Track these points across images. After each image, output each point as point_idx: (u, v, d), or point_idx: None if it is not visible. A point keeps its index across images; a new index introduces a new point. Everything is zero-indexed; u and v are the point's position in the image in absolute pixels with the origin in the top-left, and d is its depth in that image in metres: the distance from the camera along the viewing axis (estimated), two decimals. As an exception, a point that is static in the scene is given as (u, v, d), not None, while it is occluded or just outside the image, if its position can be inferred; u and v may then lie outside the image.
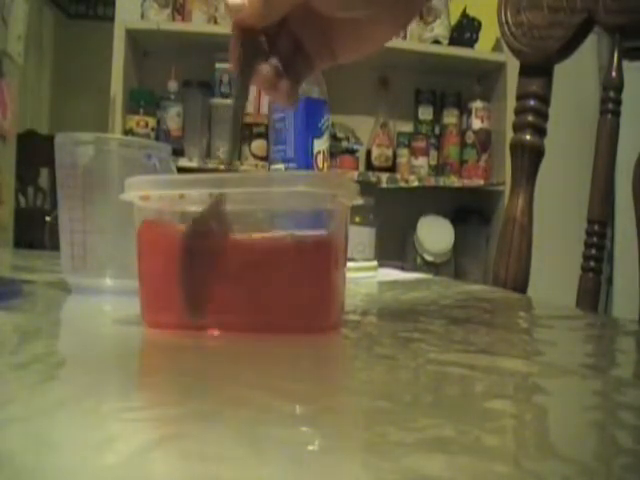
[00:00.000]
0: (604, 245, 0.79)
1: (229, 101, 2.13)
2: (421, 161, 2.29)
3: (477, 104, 2.26)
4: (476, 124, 2.26)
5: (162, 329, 0.42)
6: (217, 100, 2.11)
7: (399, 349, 0.39)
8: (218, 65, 2.12)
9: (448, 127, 2.28)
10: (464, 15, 2.20)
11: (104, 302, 0.58)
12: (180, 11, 2.11)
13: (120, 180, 0.62)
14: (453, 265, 2.37)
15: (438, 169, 2.30)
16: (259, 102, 2.18)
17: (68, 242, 0.63)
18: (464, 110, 2.32)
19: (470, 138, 2.25)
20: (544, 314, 0.61)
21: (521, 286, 0.83)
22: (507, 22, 0.87)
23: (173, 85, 2.10)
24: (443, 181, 2.22)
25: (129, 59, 2.09)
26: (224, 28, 2.09)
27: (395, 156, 2.29)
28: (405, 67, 2.28)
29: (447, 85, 2.33)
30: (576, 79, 2.24)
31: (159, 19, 2.07)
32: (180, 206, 0.41)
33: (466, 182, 2.24)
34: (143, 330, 0.43)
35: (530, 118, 0.86)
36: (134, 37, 2.10)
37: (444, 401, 0.27)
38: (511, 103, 2.19)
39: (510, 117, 2.16)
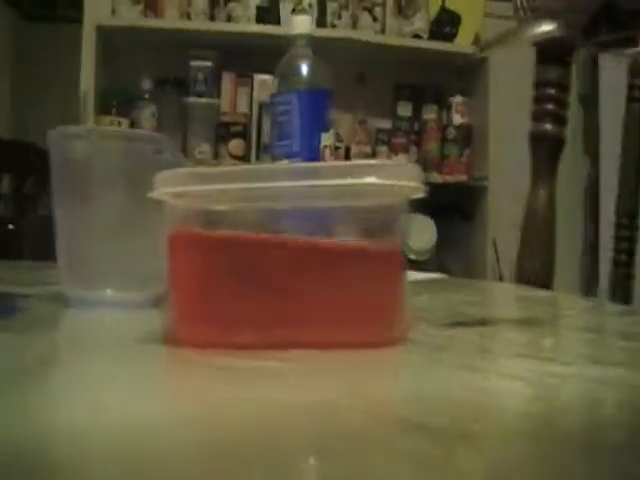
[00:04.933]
0: (635, 237, 0.74)
1: (204, 100, 2.06)
2: (401, 158, 2.24)
3: (457, 99, 2.23)
4: (456, 119, 2.22)
5: (199, 347, 0.36)
6: (193, 99, 2.04)
7: (478, 359, 0.34)
8: (193, 63, 2.04)
9: (428, 123, 2.24)
10: (443, 9, 2.16)
11: (109, 317, 0.52)
12: (152, 7, 2.03)
13: (125, 179, 0.56)
14: (435, 262, 2.33)
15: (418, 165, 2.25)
16: (235, 100, 2.12)
17: (65, 249, 0.56)
18: (443, 105, 2.28)
19: (451, 134, 2.21)
20: (611, 314, 0.56)
21: (545, 282, 0.79)
22: (522, 7, 0.82)
23: (147, 84, 2.02)
24: (424, 177, 2.18)
25: (99, 57, 2.00)
26: (199, 24, 2.02)
27: (374, 153, 2.24)
28: (383, 62, 2.23)
29: (426, 80, 2.28)
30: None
31: (131, 15, 1.99)
32: (223, 204, 0.35)
33: (448, 178, 2.20)
34: (175, 350, 0.37)
35: (550, 107, 0.81)
36: (104, 34, 2.01)
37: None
38: (493, 97, 2.17)
39: (493, 111, 2.13)
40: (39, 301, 0.57)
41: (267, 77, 2.10)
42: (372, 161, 0.36)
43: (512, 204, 2.25)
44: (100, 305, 0.54)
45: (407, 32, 2.13)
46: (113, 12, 2.01)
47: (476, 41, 2.17)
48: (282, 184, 0.34)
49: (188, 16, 2.03)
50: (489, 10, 2.16)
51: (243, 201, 0.35)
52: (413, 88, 2.28)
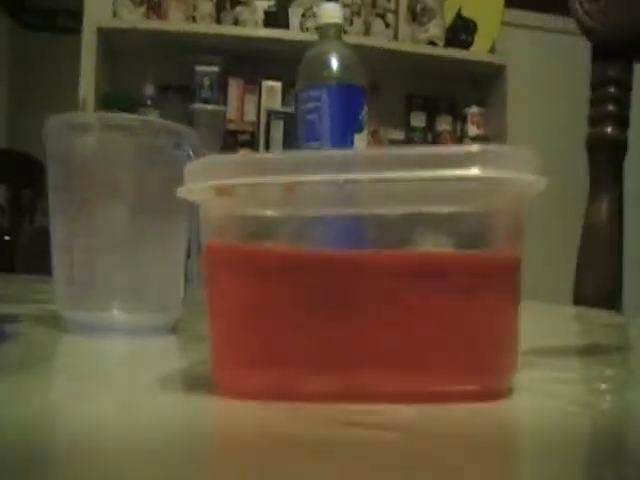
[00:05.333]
0: None
1: (210, 107, 1.97)
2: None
3: (473, 109, 2.14)
4: (472, 130, 2.13)
5: (244, 398, 0.26)
6: (198, 105, 1.94)
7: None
8: (198, 68, 1.95)
9: (442, 134, 2.15)
10: (459, 16, 2.07)
11: (116, 346, 0.42)
12: (155, 9, 1.94)
13: (137, 178, 0.47)
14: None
15: (432, 178, 2.16)
16: (242, 107, 2.03)
17: (63, 263, 0.47)
18: (458, 116, 2.19)
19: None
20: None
21: (608, 304, 0.69)
22: (582, 5, 0.73)
23: (149, 89, 1.93)
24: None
25: (100, 61, 1.91)
26: (204, 27, 1.94)
27: (386, 165, 2.15)
28: (396, 71, 2.15)
29: (440, 90, 2.20)
30: None
31: (133, 18, 1.90)
32: (285, 206, 0.26)
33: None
34: (210, 400, 0.27)
35: (610, 108, 0.72)
36: (105, 37, 1.92)
37: None
38: (511, 108, 2.08)
39: (510, 122, 2.04)
40: (31, 325, 0.48)
41: (275, 84, 2.01)
42: (473, 146, 0.26)
43: (532, 219, 2.16)
44: (105, 331, 0.45)
45: (422, 39, 2.04)
46: (114, 14, 1.92)
47: (493, 49, 2.09)
48: (356, 176, 0.25)
49: (193, 19, 1.95)
50: (508, 19, 2.08)
51: (314, 203, 0.25)
52: (427, 98, 2.20)
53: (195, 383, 0.30)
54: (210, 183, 0.26)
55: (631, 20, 0.71)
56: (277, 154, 0.25)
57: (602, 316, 0.62)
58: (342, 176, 0.24)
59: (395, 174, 0.24)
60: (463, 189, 0.27)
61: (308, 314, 0.26)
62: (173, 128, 0.46)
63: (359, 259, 0.26)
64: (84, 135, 0.47)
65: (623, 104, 0.73)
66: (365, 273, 0.26)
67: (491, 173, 0.26)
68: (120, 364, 0.37)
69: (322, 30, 0.75)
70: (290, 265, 0.26)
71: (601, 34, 0.73)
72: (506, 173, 0.26)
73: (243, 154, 1.98)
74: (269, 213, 0.27)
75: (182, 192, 0.27)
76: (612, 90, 0.73)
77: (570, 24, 2.22)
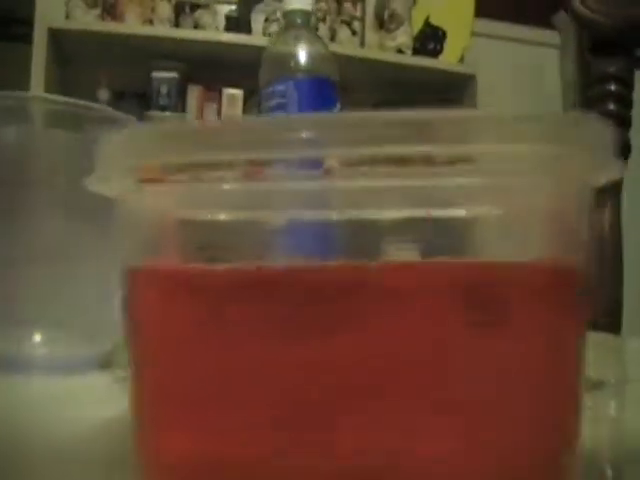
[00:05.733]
0: None
1: (168, 115, 1.87)
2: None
3: (442, 120, 2.08)
4: (441, 142, 2.08)
5: (182, 472, 0.17)
6: (155, 113, 1.84)
7: None
8: (156, 74, 1.86)
9: (410, 146, 2.09)
10: (427, 24, 2.01)
11: (34, 387, 0.33)
12: (110, 11, 1.84)
13: (73, 175, 0.38)
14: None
15: (400, 191, 2.10)
16: (202, 116, 1.94)
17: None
18: (426, 127, 2.13)
19: (436, 157, 2.06)
20: None
21: (613, 324, 0.62)
22: None
23: (104, 95, 1.82)
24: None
25: (51, 64, 1.80)
26: (162, 30, 1.84)
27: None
28: (363, 79, 2.08)
29: (408, 99, 2.13)
30: None
31: (87, 20, 1.79)
32: (245, 204, 0.17)
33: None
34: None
35: (611, 107, 0.65)
36: (58, 40, 1.81)
37: None
38: (481, 118, 2.03)
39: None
40: None
41: (236, 91, 1.93)
42: (525, 113, 0.19)
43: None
44: (24, 367, 0.36)
45: (389, 47, 1.97)
46: (67, 16, 1.82)
47: (462, 59, 2.03)
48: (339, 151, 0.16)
49: (151, 23, 1.85)
50: (477, 28, 2.02)
51: (294, 200, 0.16)
52: (394, 107, 2.13)
53: (110, 448, 0.21)
54: (130, 167, 0.17)
55: (632, 10, 0.64)
56: (232, 120, 0.16)
57: (610, 341, 0.55)
58: (337, 151, 0.15)
59: (424, 147, 0.15)
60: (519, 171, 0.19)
61: (273, 350, 0.17)
62: (116, 117, 0.37)
63: (348, 278, 0.18)
64: (11, 120, 0.39)
65: (625, 102, 0.66)
66: (357, 296, 0.18)
67: (547, 149, 0.18)
68: (27, 416, 0.28)
69: (288, 18, 0.66)
70: (242, 286, 0.17)
71: (601, 27, 0.66)
72: (570, 149, 0.18)
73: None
74: (222, 216, 0.18)
75: (90, 182, 0.18)
76: (612, 87, 0.66)
77: (540, 35, 2.17)
